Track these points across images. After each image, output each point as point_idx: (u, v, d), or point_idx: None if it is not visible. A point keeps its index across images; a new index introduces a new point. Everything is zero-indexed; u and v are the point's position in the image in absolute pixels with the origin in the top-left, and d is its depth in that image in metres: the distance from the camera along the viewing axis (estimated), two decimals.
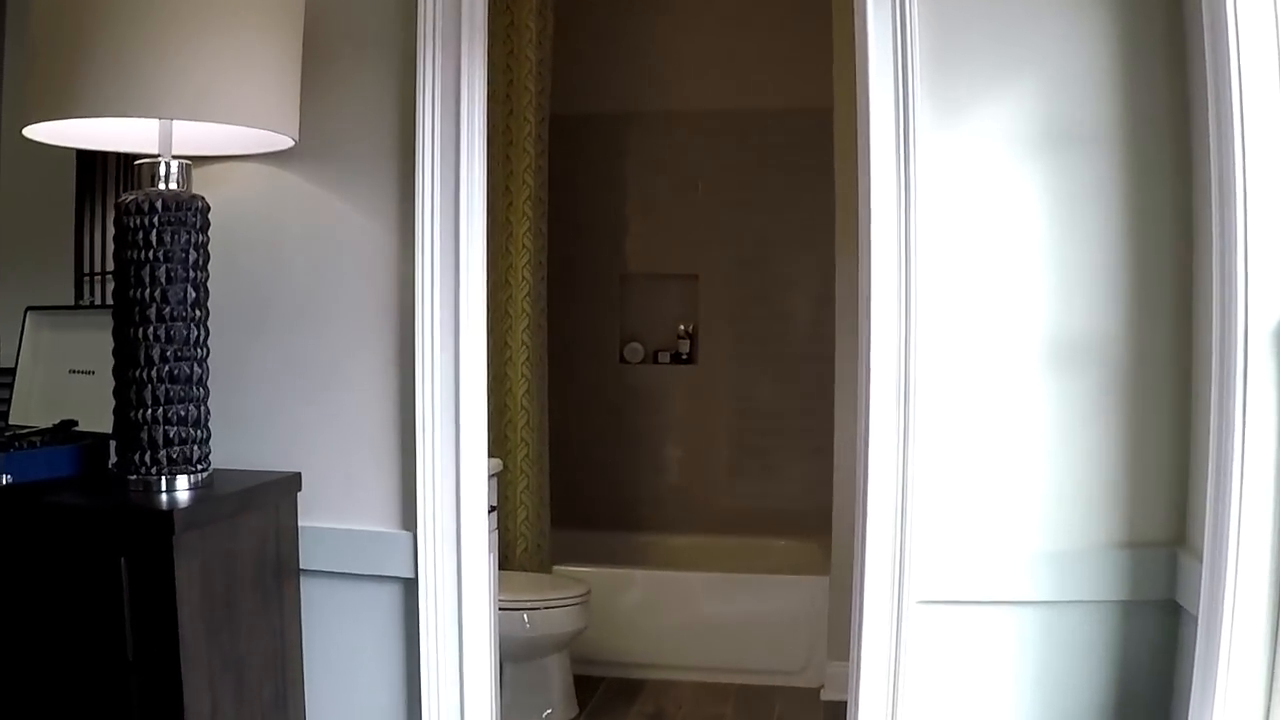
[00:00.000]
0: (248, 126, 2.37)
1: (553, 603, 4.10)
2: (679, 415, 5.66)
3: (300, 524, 2.69)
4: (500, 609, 3.48)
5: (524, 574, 4.55)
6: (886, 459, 2.51)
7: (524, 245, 4.62)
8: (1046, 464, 2.49)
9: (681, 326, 5.65)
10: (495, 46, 4.39)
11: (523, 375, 4.64)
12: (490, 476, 2.91)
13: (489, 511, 2.78)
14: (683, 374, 5.64)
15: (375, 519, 2.72)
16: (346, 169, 2.72)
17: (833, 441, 4.65)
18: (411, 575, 2.66)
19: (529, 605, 4.04)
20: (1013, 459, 2.50)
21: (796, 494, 5.45)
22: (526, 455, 4.67)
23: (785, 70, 5.42)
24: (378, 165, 2.70)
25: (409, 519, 2.68)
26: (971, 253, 2.50)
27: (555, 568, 4.79)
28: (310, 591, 2.73)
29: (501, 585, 3.61)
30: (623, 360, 5.70)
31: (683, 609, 4.76)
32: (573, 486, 5.57)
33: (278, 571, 2.59)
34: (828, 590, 4.53)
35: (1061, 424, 2.48)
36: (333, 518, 2.73)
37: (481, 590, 2.67)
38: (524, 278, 4.63)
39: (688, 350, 5.64)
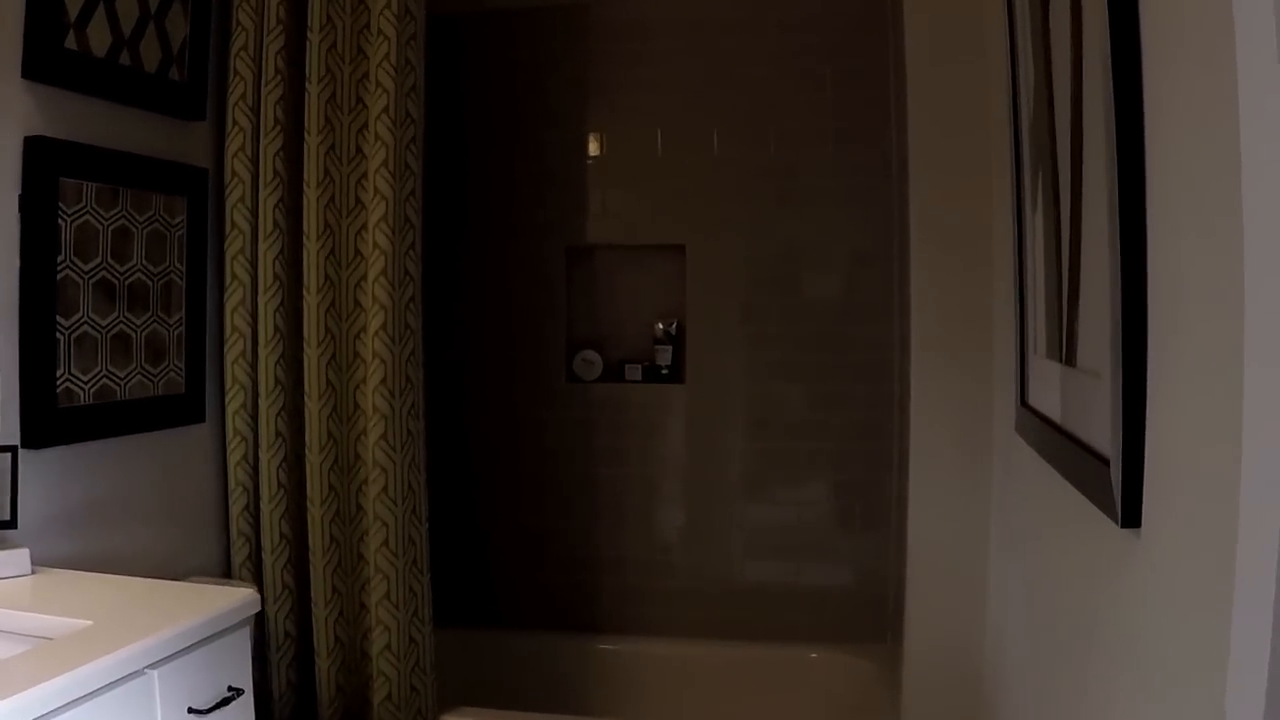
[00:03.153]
0: None
1: None
2: (656, 462, 3.75)
3: None
4: None
5: None
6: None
7: (378, 193, 2.75)
8: None
9: (660, 325, 3.74)
10: None
11: (377, 408, 2.76)
12: None
13: None
14: (662, 397, 3.73)
15: None
16: None
17: (894, 503, 3.21)
18: None
19: None
20: None
21: (838, 584, 3.56)
22: (386, 542, 2.79)
23: None
24: None
25: None
26: None
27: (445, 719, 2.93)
28: None
29: None
30: (571, 378, 3.80)
31: None
32: (479, 578, 3.74)
33: None
34: None
35: None
36: None
37: None
38: (377, 246, 2.75)
39: (669, 361, 3.73)
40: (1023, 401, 1.98)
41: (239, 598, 1.98)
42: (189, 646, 1.83)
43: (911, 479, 2.83)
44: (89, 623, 1.80)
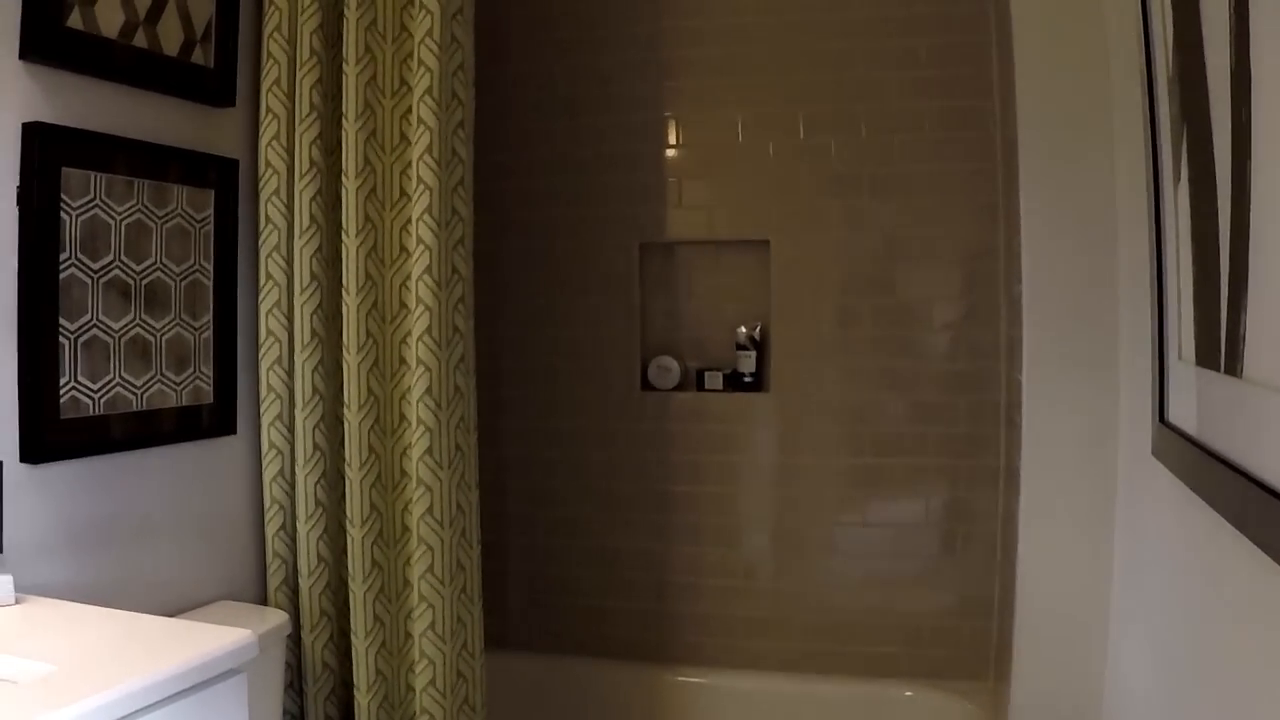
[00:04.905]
0: None
1: None
2: (737, 479, 3.44)
3: None
4: None
5: None
6: None
7: (423, 183, 2.50)
8: None
9: (742, 329, 3.43)
10: None
11: (422, 420, 2.51)
12: None
13: None
14: (745, 407, 3.42)
15: None
16: None
17: (1000, 526, 2.99)
18: None
19: None
20: None
21: (937, 614, 3.23)
22: (431, 568, 2.53)
23: None
24: None
25: None
26: None
27: None
28: None
29: None
30: (646, 385, 3.51)
31: None
32: (540, 599, 3.51)
33: None
34: None
35: None
36: None
37: None
38: (421, 241, 2.50)
39: (753, 369, 3.42)
40: (1161, 418, 1.66)
41: (232, 640, 1.72)
42: (167, 698, 1.58)
43: (1022, 502, 2.52)
44: (52, 667, 1.56)
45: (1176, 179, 1.49)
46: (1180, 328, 1.50)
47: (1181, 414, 1.51)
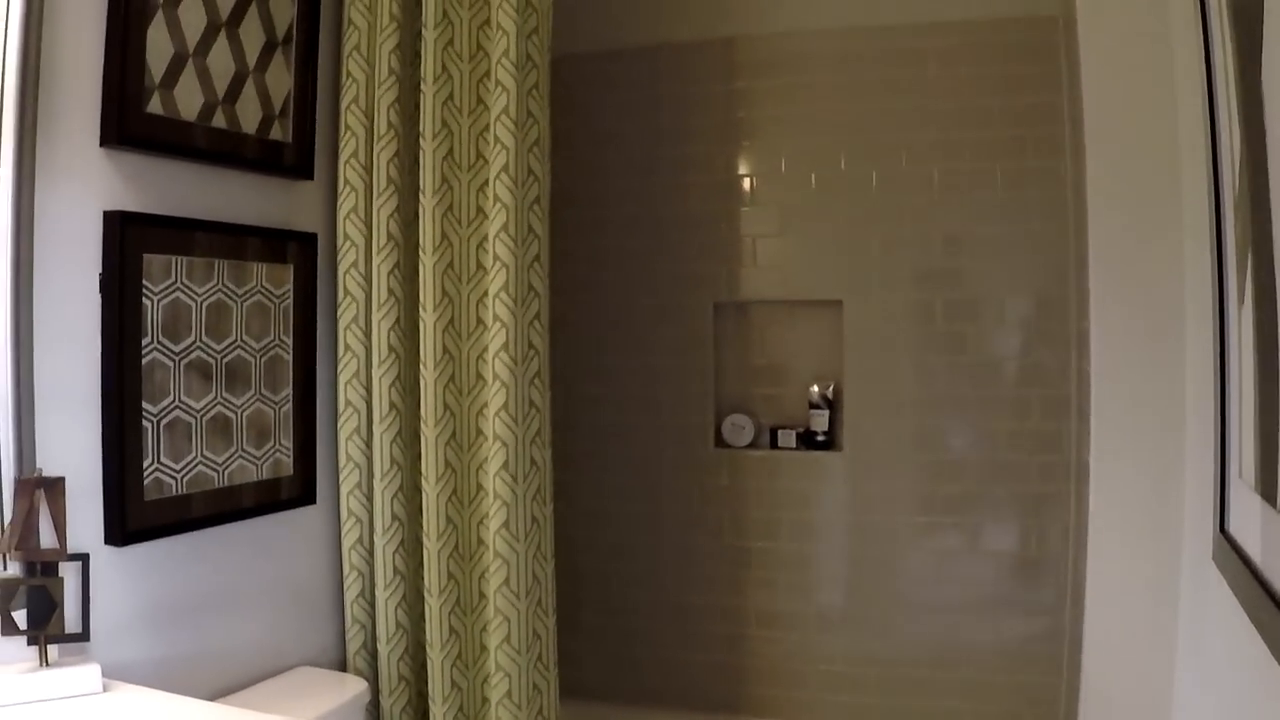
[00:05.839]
0: None
1: None
2: (811, 536, 3.41)
3: None
4: None
5: None
6: None
7: (499, 259, 2.51)
8: None
9: (815, 388, 3.42)
10: None
11: (498, 494, 2.52)
12: None
13: None
14: (818, 466, 3.40)
15: None
16: None
17: (1068, 591, 2.92)
18: None
19: None
20: None
21: (1007, 678, 3.18)
22: (508, 638, 2.54)
23: None
24: None
25: None
26: None
27: None
28: None
29: None
30: (720, 443, 3.50)
31: None
32: (616, 651, 3.50)
33: None
34: None
35: None
36: None
37: None
38: (498, 318, 2.51)
39: (826, 427, 3.40)
40: (1221, 528, 1.61)
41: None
42: None
43: (1088, 606, 2.48)
44: None
45: (1241, 299, 1.44)
46: (1241, 448, 1.45)
47: (1241, 532, 1.47)
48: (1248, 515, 1.42)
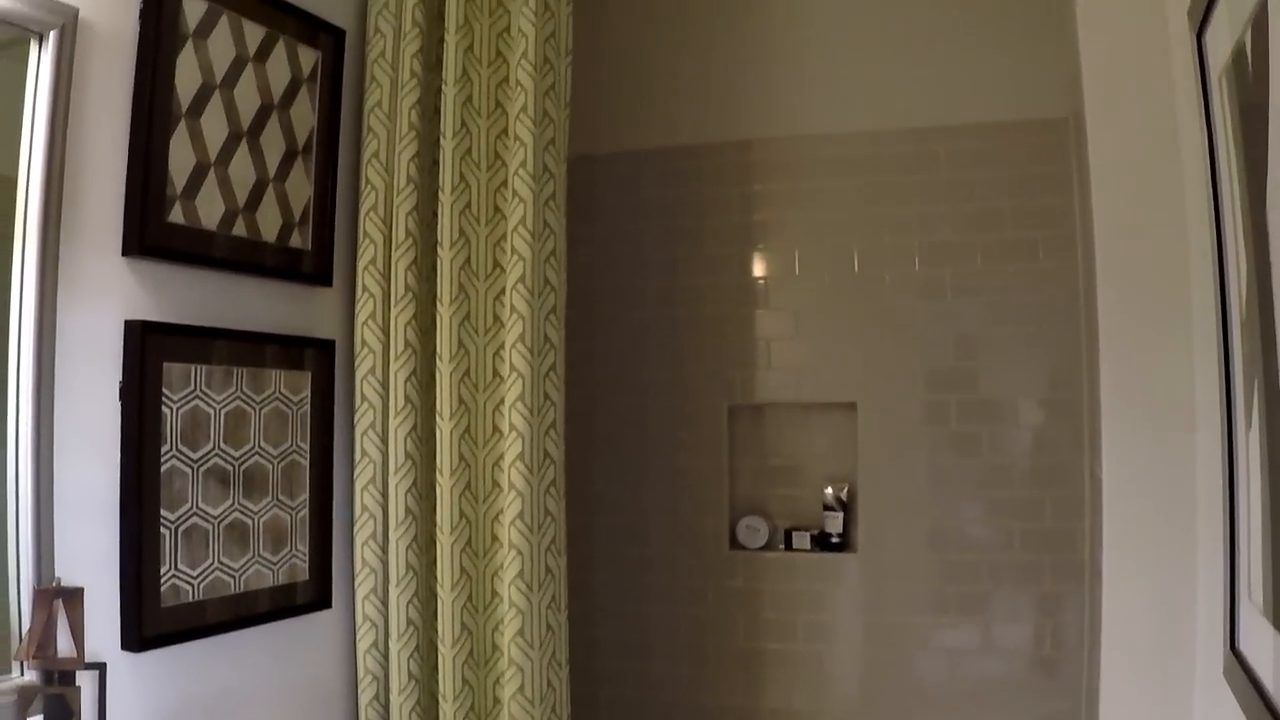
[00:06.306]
0: None
1: None
2: (827, 638, 3.39)
3: None
4: None
5: None
6: None
7: (515, 370, 2.54)
8: None
9: (829, 490, 3.42)
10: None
11: (514, 602, 2.52)
12: None
13: None
14: (833, 568, 3.39)
15: None
16: None
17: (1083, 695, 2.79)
18: None
19: None
20: None
21: None
22: (525, 679, 2.53)
23: (982, 63, 3.26)
24: None
25: None
26: None
27: None
28: None
29: None
30: (735, 544, 3.49)
31: None
32: None
33: None
34: None
35: None
36: None
37: None
38: (514, 428, 2.54)
39: (840, 529, 3.39)
40: (1232, 646, 1.60)
41: None
42: None
43: (1103, 677, 2.45)
44: None
45: (1249, 422, 1.45)
46: (1250, 570, 1.45)
47: (1249, 649, 1.46)
48: (1258, 639, 1.41)
